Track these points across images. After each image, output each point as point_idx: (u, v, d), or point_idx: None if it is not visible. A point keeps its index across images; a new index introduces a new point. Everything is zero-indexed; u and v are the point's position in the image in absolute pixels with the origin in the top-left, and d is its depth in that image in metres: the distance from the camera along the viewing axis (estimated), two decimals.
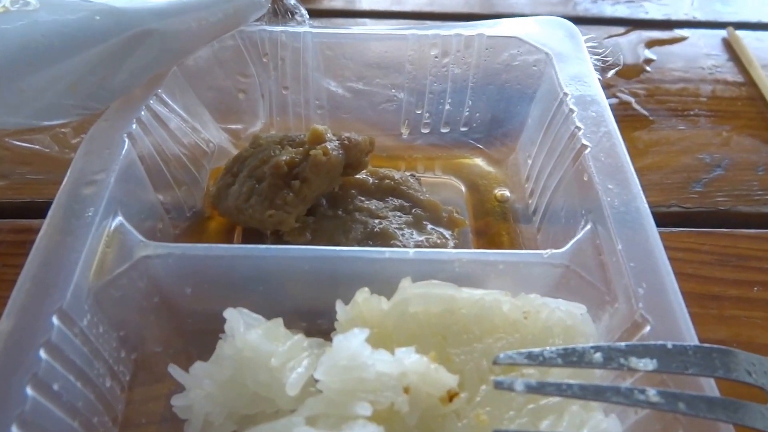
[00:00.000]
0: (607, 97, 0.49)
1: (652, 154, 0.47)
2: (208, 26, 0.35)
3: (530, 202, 0.41)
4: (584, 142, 0.34)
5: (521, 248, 0.40)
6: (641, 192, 0.31)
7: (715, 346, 0.25)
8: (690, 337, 0.26)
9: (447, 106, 0.44)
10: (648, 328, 0.26)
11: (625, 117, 0.50)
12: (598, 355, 0.25)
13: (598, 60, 0.39)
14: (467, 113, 0.44)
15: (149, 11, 0.32)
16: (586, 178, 0.32)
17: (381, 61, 0.42)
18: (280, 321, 0.29)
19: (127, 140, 0.33)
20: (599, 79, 0.39)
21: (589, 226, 0.31)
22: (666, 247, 0.41)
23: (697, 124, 0.50)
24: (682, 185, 0.45)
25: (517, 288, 0.29)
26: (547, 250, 0.30)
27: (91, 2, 0.30)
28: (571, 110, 0.35)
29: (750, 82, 0.53)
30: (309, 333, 0.29)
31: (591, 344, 0.25)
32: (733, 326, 0.37)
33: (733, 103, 0.52)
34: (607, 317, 0.29)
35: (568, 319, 0.29)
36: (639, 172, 0.45)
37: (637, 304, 0.27)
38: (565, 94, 0.36)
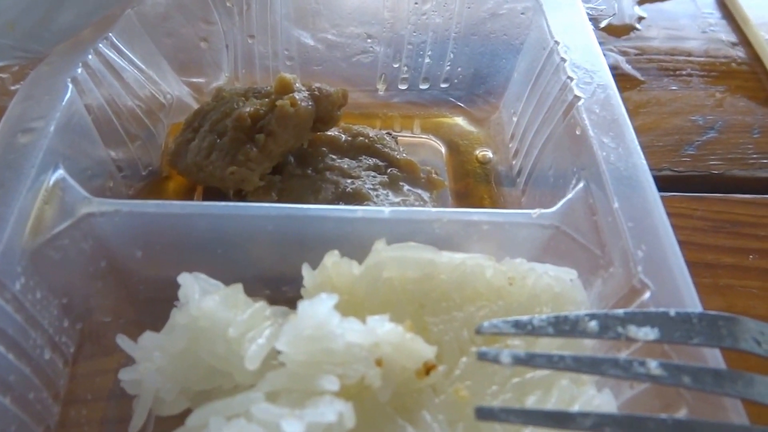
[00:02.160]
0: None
1: (643, 116, 0.45)
2: None
3: (514, 163, 0.38)
4: (577, 93, 0.31)
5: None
6: (639, 147, 0.29)
7: (722, 313, 0.22)
8: (693, 303, 0.24)
9: (427, 59, 0.41)
10: (648, 294, 0.24)
11: (615, 76, 0.47)
12: (593, 324, 0.22)
13: (590, 9, 0.37)
14: (448, 67, 0.41)
15: None
16: (578, 132, 0.30)
17: (356, 9, 0.39)
18: (239, 287, 0.26)
19: (71, 85, 0.29)
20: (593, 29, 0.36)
21: (581, 185, 0.28)
22: None
23: (689, 85, 0.47)
24: (674, 148, 0.43)
25: (501, 252, 0.27)
26: (536, 210, 0.28)
27: None
28: (563, 59, 0.33)
29: (744, 41, 0.50)
30: (273, 301, 0.27)
31: (585, 311, 0.23)
32: (728, 296, 0.36)
33: (727, 63, 0.49)
34: (599, 283, 0.26)
35: (557, 285, 0.27)
36: None
37: (636, 268, 0.24)
38: (556, 43, 0.34)
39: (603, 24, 0.37)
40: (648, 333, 0.22)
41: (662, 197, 0.40)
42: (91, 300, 0.29)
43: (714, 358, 0.22)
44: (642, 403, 0.23)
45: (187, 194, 0.37)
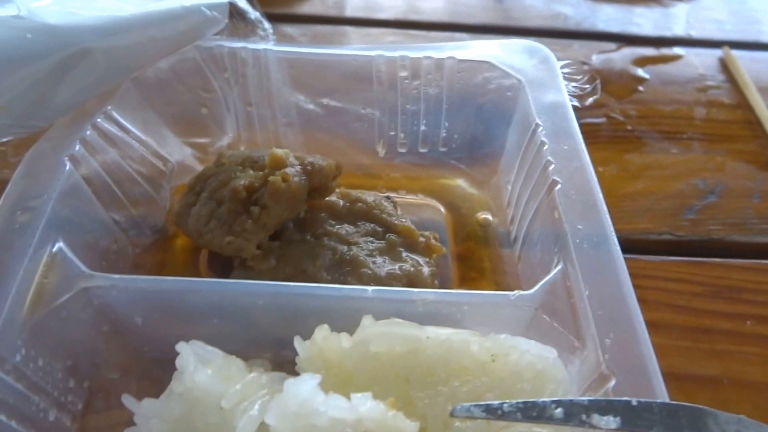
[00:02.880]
0: (598, 117, 0.48)
1: (644, 179, 0.46)
2: (158, 43, 0.33)
3: (511, 228, 0.39)
4: (555, 177, 0.32)
5: (503, 276, 0.38)
6: (614, 234, 0.30)
7: (685, 404, 0.23)
8: (659, 392, 0.24)
9: (423, 127, 0.42)
10: (613, 381, 0.24)
11: (616, 138, 0.49)
12: (559, 411, 0.23)
13: (576, 87, 0.38)
14: (444, 134, 0.42)
15: (88, 29, 0.30)
16: (556, 216, 0.31)
17: (349, 80, 0.40)
18: (234, 358, 0.27)
19: (68, 163, 0.31)
20: (577, 106, 0.37)
21: (560, 266, 0.29)
22: (657, 277, 0.40)
23: (690, 148, 0.48)
24: (675, 212, 0.44)
25: (487, 327, 0.28)
26: (515, 292, 0.29)
27: (21, 19, 0.28)
28: (543, 142, 0.34)
29: (746, 104, 0.51)
30: (274, 363, 0.29)
31: (551, 399, 0.23)
32: (724, 361, 0.36)
33: (728, 126, 0.50)
34: (578, 363, 0.27)
35: (539, 363, 0.27)
36: (630, 197, 0.44)
37: (603, 356, 0.25)
38: (537, 125, 0.35)
39: (588, 102, 0.38)
40: (610, 421, 0.23)
41: (662, 261, 0.41)
42: (97, 358, 0.30)
43: None
44: None
45: (194, 251, 0.39)
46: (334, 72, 0.40)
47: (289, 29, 0.58)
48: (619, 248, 0.30)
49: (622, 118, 0.50)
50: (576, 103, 0.39)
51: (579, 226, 0.30)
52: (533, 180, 0.35)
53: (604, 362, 0.25)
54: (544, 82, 0.38)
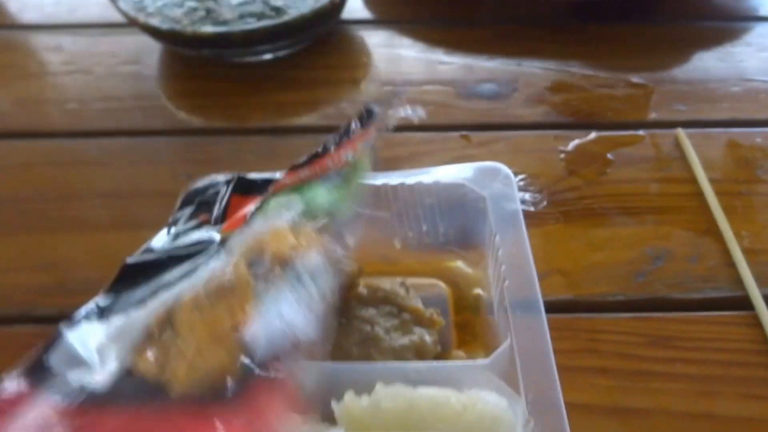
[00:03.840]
0: (572, 199, 0.60)
1: (605, 249, 0.58)
2: None
3: (492, 303, 0.52)
4: (505, 276, 0.45)
5: (491, 338, 0.51)
6: (545, 322, 0.42)
7: None
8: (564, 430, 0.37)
9: (424, 227, 0.55)
10: (532, 423, 0.37)
11: (587, 216, 0.61)
12: None
13: (531, 194, 0.50)
14: (442, 230, 0.56)
15: None
16: (506, 303, 0.43)
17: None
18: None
19: None
20: (532, 210, 0.50)
21: (507, 341, 0.42)
22: (610, 332, 0.52)
23: (644, 221, 0.60)
24: (628, 276, 0.56)
25: (461, 385, 0.41)
26: (477, 360, 0.42)
27: None
28: (498, 247, 0.47)
29: (693, 179, 0.62)
30: (324, 417, 0.41)
31: None
32: (655, 396, 0.47)
33: (677, 199, 0.62)
34: (519, 410, 0.40)
35: (496, 410, 0.40)
36: (593, 266, 0.56)
37: (528, 406, 0.38)
38: (495, 233, 0.48)
39: (541, 207, 0.50)
40: None
41: (615, 318, 0.53)
42: None
43: None
44: None
45: None
46: None
47: None
48: (547, 328, 0.42)
49: (591, 197, 0.62)
50: (531, 209, 0.51)
51: (518, 313, 0.43)
52: (495, 273, 0.48)
53: (527, 410, 0.39)
54: (504, 196, 0.51)
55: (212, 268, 0.41)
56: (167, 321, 0.38)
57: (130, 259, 0.45)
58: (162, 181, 0.67)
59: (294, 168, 0.52)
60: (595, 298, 0.54)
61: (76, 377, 0.36)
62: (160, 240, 0.47)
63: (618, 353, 0.50)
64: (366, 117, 0.54)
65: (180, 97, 0.80)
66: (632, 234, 0.59)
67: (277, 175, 0.53)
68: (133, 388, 0.36)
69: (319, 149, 0.53)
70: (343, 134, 0.53)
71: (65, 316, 0.55)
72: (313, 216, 0.44)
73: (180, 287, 0.40)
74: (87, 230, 0.63)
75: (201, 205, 0.51)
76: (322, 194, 0.46)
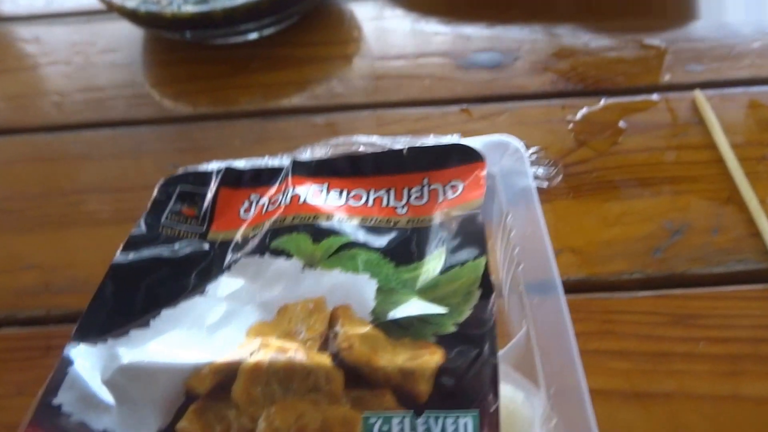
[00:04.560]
0: (582, 172, 0.57)
1: (620, 224, 0.55)
2: None
3: (504, 291, 0.49)
4: (518, 258, 0.42)
5: (506, 327, 0.46)
6: (565, 305, 0.39)
7: None
8: (589, 428, 0.34)
9: None
10: (555, 420, 0.34)
11: (599, 190, 0.58)
12: None
13: (544, 169, 0.47)
14: None
15: None
16: (521, 289, 0.40)
17: None
18: None
19: None
20: (545, 187, 0.47)
21: (524, 329, 0.39)
22: (628, 312, 0.50)
23: (661, 192, 0.57)
24: (645, 252, 0.53)
25: None
26: None
27: None
28: (510, 229, 0.43)
29: (713, 144, 0.59)
30: None
31: None
32: (678, 379, 0.45)
33: (695, 167, 0.58)
34: (537, 404, 0.37)
35: (511, 404, 0.38)
36: (607, 243, 0.53)
37: (549, 401, 0.35)
38: (507, 213, 0.44)
39: (555, 182, 0.47)
40: None
41: (633, 297, 0.50)
42: None
43: None
44: None
45: None
46: None
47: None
48: (568, 313, 0.40)
49: (603, 170, 0.59)
50: (544, 185, 0.48)
51: (535, 299, 0.40)
52: (507, 257, 0.45)
53: (548, 406, 0.36)
54: (514, 171, 0.48)
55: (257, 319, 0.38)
56: (218, 386, 0.35)
57: (117, 260, 0.43)
58: (148, 174, 0.65)
59: (345, 175, 0.46)
60: (611, 277, 0.51)
61: (93, 420, 0.34)
62: (141, 235, 0.45)
63: (636, 334, 0.48)
64: (463, 156, 0.47)
65: (164, 84, 0.77)
66: (648, 207, 0.55)
67: (272, 161, 0.50)
68: None
69: (390, 159, 0.46)
70: (435, 163, 0.46)
71: (52, 318, 0.54)
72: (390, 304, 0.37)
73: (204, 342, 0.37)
74: (71, 228, 0.61)
75: (185, 196, 0.48)
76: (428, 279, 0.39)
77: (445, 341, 0.36)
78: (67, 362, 0.37)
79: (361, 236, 0.42)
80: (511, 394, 0.37)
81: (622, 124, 0.64)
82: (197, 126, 0.70)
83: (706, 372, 0.45)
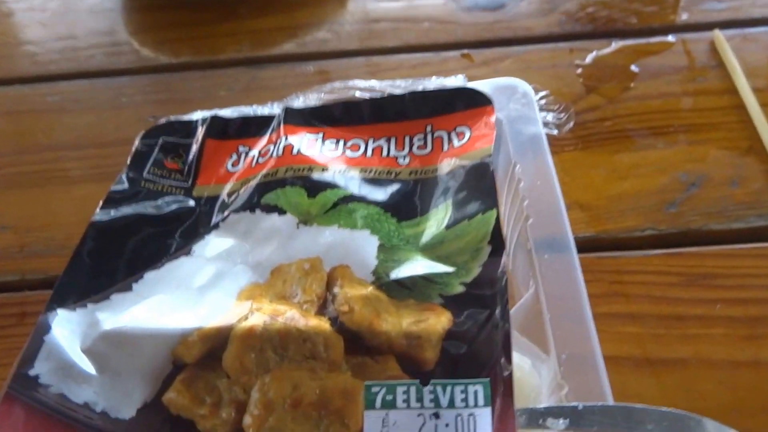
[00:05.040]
0: (591, 121, 0.54)
1: (631, 177, 0.53)
2: None
3: (508, 249, 0.47)
4: (528, 212, 0.39)
5: (511, 287, 0.46)
6: (577, 265, 0.37)
7: (618, 404, 0.31)
8: (604, 396, 0.32)
9: None
10: (566, 389, 0.32)
11: (607, 140, 0.55)
12: (523, 418, 0.32)
13: (553, 117, 0.44)
14: None
15: None
16: (528, 247, 0.38)
17: None
18: None
19: None
20: (556, 134, 0.44)
21: (532, 290, 0.37)
22: (639, 272, 0.48)
23: (675, 141, 0.54)
24: (658, 207, 0.51)
25: None
26: None
27: None
28: (519, 179, 0.41)
29: (733, 89, 0.56)
30: None
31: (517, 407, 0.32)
32: (693, 344, 0.43)
33: (714, 114, 0.56)
34: (545, 371, 0.35)
35: (517, 371, 0.36)
36: (617, 197, 0.51)
37: (560, 368, 0.33)
38: (515, 163, 0.42)
39: (565, 130, 0.45)
40: (560, 424, 0.31)
41: (644, 256, 0.48)
42: None
43: None
44: None
45: None
46: None
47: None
48: (580, 272, 0.38)
49: (613, 118, 0.57)
50: (554, 132, 0.46)
51: (545, 256, 0.38)
52: (514, 211, 0.43)
53: (559, 374, 0.34)
54: (523, 117, 0.45)
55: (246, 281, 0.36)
56: (208, 354, 0.33)
57: (96, 218, 0.40)
58: (128, 128, 0.62)
59: (342, 123, 0.43)
60: (621, 234, 0.49)
61: (73, 392, 0.32)
62: (122, 190, 0.42)
63: (649, 296, 0.46)
64: (470, 101, 0.44)
65: (144, 32, 0.74)
66: (662, 157, 0.53)
67: (261, 109, 0.47)
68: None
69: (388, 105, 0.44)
70: (439, 108, 0.43)
71: (28, 283, 0.51)
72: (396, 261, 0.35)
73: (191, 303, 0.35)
74: (48, 186, 0.59)
75: (168, 148, 0.45)
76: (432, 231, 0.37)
77: (452, 303, 0.33)
78: (44, 329, 0.35)
79: (360, 189, 0.39)
80: (517, 361, 0.36)
81: (634, 68, 0.61)
82: (180, 76, 0.68)
83: (723, 336, 0.43)
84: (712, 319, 0.44)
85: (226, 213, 0.40)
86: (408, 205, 0.38)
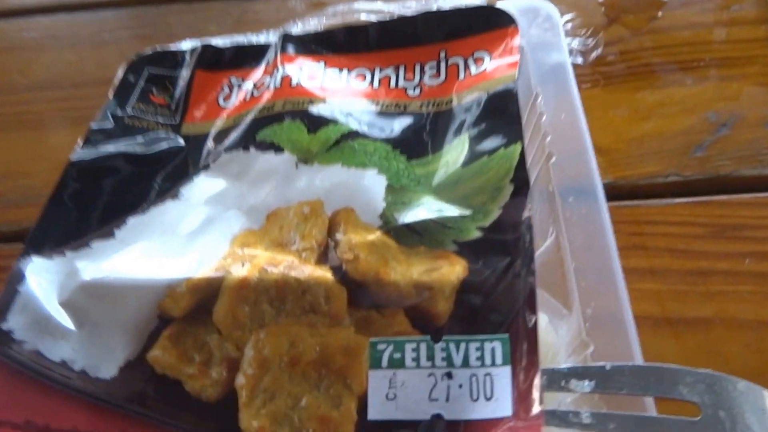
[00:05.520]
0: (612, 55, 0.50)
1: (655, 117, 0.49)
2: None
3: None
4: (551, 150, 0.36)
5: None
6: (605, 206, 0.34)
7: (651, 364, 0.29)
8: (633, 357, 0.30)
9: None
10: (592, 348, 0.30)
11: (629, 76, 0.52)
12: (544, 378, 0.29)
13: (579, 43, 0.41)
14: None
15: None
16: (550, 189, 0.35)
17: None
18: None
19: None
20: (581, 63, 0.41)
21: (552, 237, 0.34)
22: (660, 222, 0.44)
23: (706, 77, 0.51)
24: (683, 150, 0.47)
25: None
26: None
27: None
28: (541, 113, 0.38)
29: None
30: None
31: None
32: (719, 302, 0.40)
33: (750, 46, 0.52)
34: (564, 329, 0.33)
35: None
36: (639, 140, 0.48)
37: (585, 324, 0.31)
38: (537, 94, 0.39)
39: (591, 57, 0.42)
40: (585, 386, 0.28)
41: (667, 205, 0.45)
42: None
43: (650, 404, 0.28)
44: None
45: None
46: None
47: None
48: (609, 220, 0.35)
49: (638, 52, 0.53)
50: (579, 61, 0.42)
51: (570, 199, 0.35)
52: (534, 149, 0.40)
53: (584, 330, 0.31)
54: (546, 43, 0.42)
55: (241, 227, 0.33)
56: (197, 307, 0.31)
57: (76, 157, 0.37)
58: (110, 66, 0.57)
59: (345, 50, 0.40)
60: (642, 181, 0.46)
61: (50, 349, 0.30)
62: (104, 128, 0.39)
63: (670, 249, 0.42)
64: (490, 21, 0.41)
65: None
66: (690, 95, 0.50)
67: (256, 38, 0.43)
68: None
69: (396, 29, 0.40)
70: (454, 31, 0.40)
71: (3, 235, 0.48)
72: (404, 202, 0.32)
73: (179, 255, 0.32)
74: (24, 131, 0.55)
75: (154, 81, 0.42)
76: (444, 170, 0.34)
77: (467, 249, 0.31)
78: (18, 279, 0.32)
79: (366, 124, 0.36)
80: None
81: None
82: (166, 10, 0.64)
83: (751, 294, 0.40)
84: (739, 275, 0.41)
85: (218, 151, 0.37)
86: (419, 141, 0.35)
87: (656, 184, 0.46)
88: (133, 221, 0.34)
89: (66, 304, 0.31)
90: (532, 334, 0.28)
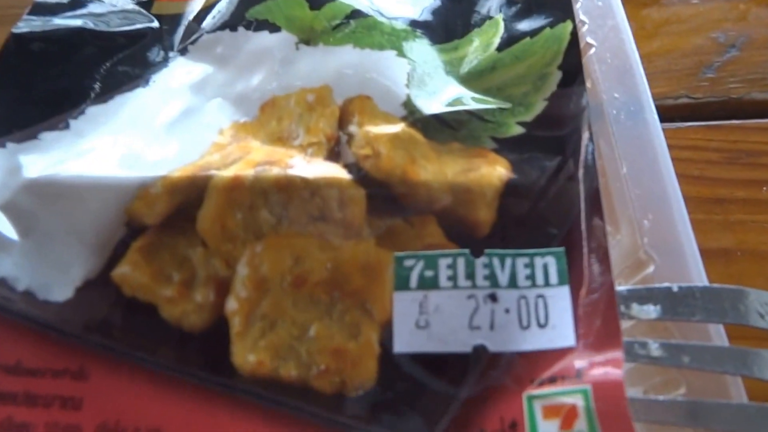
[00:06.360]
0: None
1: (661, 36, 0.45)
2: None
3: None
4: (588, 40, 0.31)
5: None
6: (651, 102, 0.29)
7: (725, 286, 0.24)
8: (698, 275, 0.25)
9: None
10: (652, 267, 0.24)
11: None
12: None
13: None
14: None
15: None
16: (589, 85, 0.29)
17: None
18: None
19: None
20: None
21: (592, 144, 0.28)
22: (671, 146, 0.39)
23: None
24: (692, 71, 0.43)
25: None
26: None
27: None
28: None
29: None
30: None
31: None
32: (738, 232, 0.37)
33: None
34: (612, 244, 0.27)
35: None
36: (645, 59, 0.42)
37: (642, 239, 0.25)
38: None
39: None
40: (650, 311, 0.23)
41: (677, 128, 0.41)
42: None
43: (718, 333, 0.23)
44: (641, 377, 0.24)
45: None
46: None
47: None
48: (657, 117, 0.29)
49: None
50: None
51: (615, 95, 0.30)
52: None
53: (643, 246, 0.25)
54: None
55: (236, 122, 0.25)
56: (176, 212, 0.23)
57: (19, 29, 0.29)
58: None
59: None
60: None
61: None
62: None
63: (684, 175, 0.38)
64: None
65: None
66: (698, 13, 0.45)
67: None
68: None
69: None
70: None
71: None
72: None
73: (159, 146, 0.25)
74: None
75: None
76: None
77: (508, 148, 0.24)
78: None
79: (379, 1, 0.29)
80: None
81: None
82: None
83: None
84: (758, 204, 0.37)
85: (197, 33, 0.29)
86: (442, 23, 0.29)
87: (667, 106, 0.42)
88: (93, 110, 0.27)
89: (6, 207, 0.24)
90: (602, 242, 0.22)
